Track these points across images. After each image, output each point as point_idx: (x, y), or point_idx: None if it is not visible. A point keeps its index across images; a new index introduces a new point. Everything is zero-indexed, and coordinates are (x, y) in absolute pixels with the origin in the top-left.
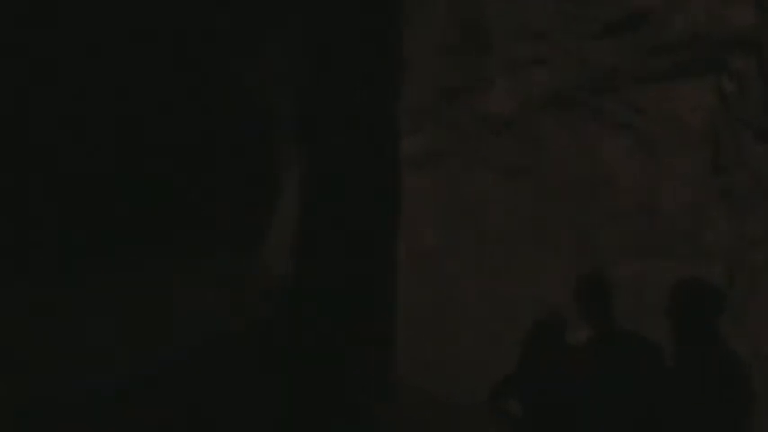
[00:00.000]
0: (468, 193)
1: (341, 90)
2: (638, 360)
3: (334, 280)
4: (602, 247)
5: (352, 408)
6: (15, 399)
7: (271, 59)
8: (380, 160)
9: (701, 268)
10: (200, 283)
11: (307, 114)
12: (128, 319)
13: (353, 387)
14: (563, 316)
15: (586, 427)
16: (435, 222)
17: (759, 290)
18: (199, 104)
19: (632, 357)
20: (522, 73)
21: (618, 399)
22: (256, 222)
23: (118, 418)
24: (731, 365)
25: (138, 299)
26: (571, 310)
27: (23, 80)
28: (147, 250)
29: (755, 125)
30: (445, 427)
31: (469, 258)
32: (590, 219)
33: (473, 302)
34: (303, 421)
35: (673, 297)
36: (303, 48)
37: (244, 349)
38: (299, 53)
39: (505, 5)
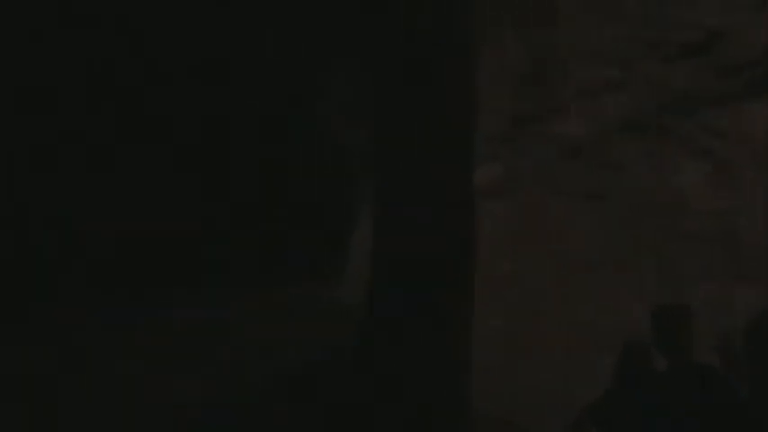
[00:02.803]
0: (545, 219)
1: (413, 119)
2: (717, 391)
3: (410, 309)
4: (680, 271)
5: None
6: None
7: (342, 89)
8: (455, 189)
9: None
10: (277, 315)
11: (379, 144)
12: (204, 353)
13: (429, 416)
14: (647, 344)
15: None
16: (511, 250)
17: None
18: (270, 135)
19: (711, 389)
20: (597, 98)
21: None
22: (331, 253)
23: None
24: None
25: (214, 331)
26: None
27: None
28: (221, 282)
29: None
30: None
31: (546, 285)
32: (668, 243)
33: (550, 330)
34: None
35: (755, 324)
36: (375, 77)
37: (320, 380)
38: (370, 83)
39: (577, 31)
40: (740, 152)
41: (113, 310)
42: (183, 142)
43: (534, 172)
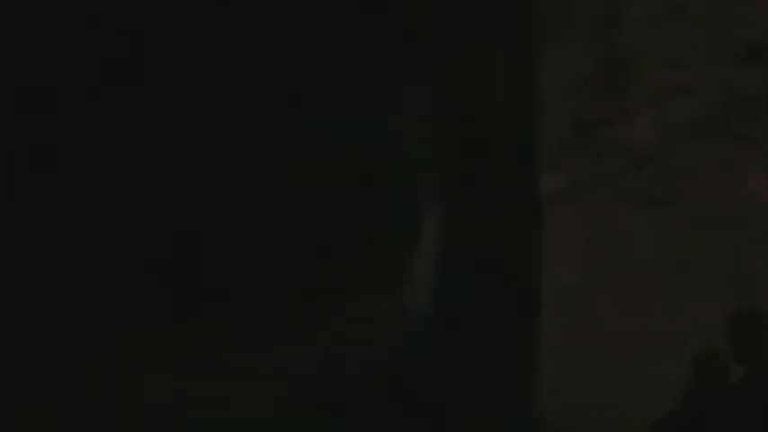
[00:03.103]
0: (612, 226)
1: (476, 124)
2: None
3: (475, 318)
4: (752, 278)
5: None
6: None
7: (410, 101)
8: (520, 197)
9: None
10: (342, 325)
11: (442, 151)
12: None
13: (494, 424)
14: (721, 352)
15: None
16: (578, 258)
17: None
18: (342, 148)
19: None
20: (665, 102)
21: None
22: (397, 262)
23: None
24: None
25: (279, 341)
26: (725, 348)
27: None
28: (287, 294)
29: None
30: None
31: (614, 294)
32: (739, 248)
33: (619, 340)
34: None
35: None
36: (441, 88)
37: (386, 390)
38: (437, 94)
39: (644, 34)
40: None
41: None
42: (260, 152)
43: (601, 178)
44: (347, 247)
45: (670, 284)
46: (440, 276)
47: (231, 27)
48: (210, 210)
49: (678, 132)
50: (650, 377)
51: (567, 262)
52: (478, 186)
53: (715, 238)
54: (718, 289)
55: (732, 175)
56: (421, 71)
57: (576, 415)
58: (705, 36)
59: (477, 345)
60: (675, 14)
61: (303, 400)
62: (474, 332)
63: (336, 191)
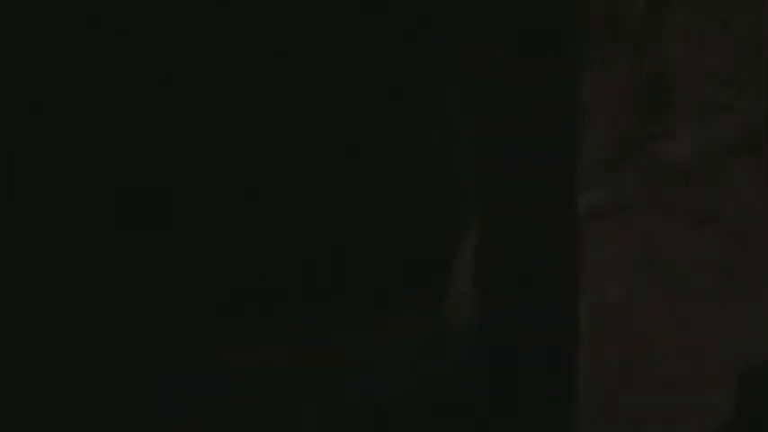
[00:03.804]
0: (655, 244)
1: (517, 143)
2: None
3: (515, 337)
4: None
5: None
6: None
7: (443, 116)
8: (560, 214)
9: None
10: (383, 342)
11: (483, 170)
12: (311, 380)
13: None
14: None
15: None
16: (619, 276)
17: None
18: (376, 165)
19: None
20: (708, 119)
21: None
22: (437, 278)
23: None
24: None
25: (321, 358)
26: None
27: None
28: (329, 309)
29: None
30: None
31: (657, 313)
32: None
33: (663, 360)
34: None
35: None
36: (477, 102)
37: (426, 407)
38: (472, 108)
39: (688, 50)
40: None
41: None
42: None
43: (643, 195)
44: (387, 258)
45: (713, 303)
46: (477, 293)
47: (279, 33)
48: (249, 218)
49: (721, 149)
50: (692, 399)
51: (609, 280)
52: (515, 202)
53: (758, 256)
54: (763, 308)
55: None
56: (461, 78)
57: None
58: (748, 53)
59: (516, 363)
60: (719, 27)
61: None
62: (512, 349)
63: (374, 197)
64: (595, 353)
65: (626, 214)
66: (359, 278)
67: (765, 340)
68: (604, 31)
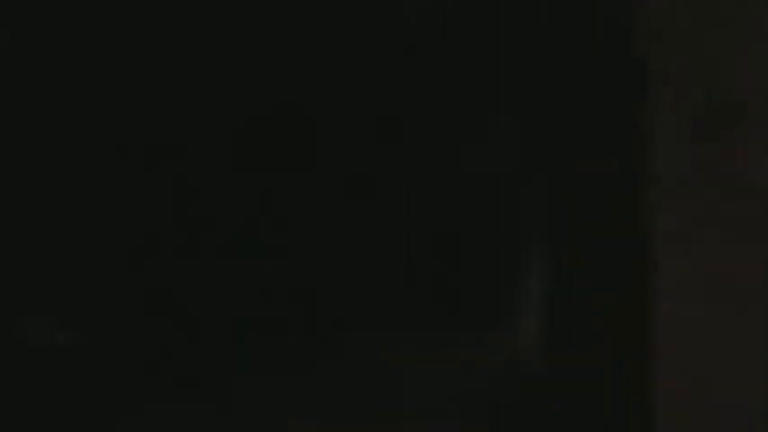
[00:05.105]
0: (726, 266)
1: (584, 166)
2: None
3: (584, 362)
4: None
5: None
6: None
7: (503, 141)
8: (630, 238)
9: None
10: (445, 370)
11: (548, 194)
12: (371, 407)
13: None
14: None
15: None
16: (691, 297)
17: None
18: (436, 188)
19: None
20: None
21: None
22: (502, 306)
23: None
24: None
25: (379, 386)
26: None
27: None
28: (387, 337)
29: None
30: None
31: (731, 333)
32: None
33: (737, 380)
34: None
35: None
36: (541, 127)
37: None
38: (535, 134)
39: (758, 69)
40: None
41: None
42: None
43: (714, 218)
44: (449, 288)
45: None
46: (545, 318)
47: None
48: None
49: None
50: (764, 414)
51: (681, 301)
52: (585, 230)
53: None
54: None
55: None
56: (525, 123)
57: None
58: None
59: (585, 386)
60: None
61: None
62: (582, 374)
63: (440, 229)
64: (667, 374)
65: (696, 237)
66: (422, 307)
67: None
68: (672, 48)
